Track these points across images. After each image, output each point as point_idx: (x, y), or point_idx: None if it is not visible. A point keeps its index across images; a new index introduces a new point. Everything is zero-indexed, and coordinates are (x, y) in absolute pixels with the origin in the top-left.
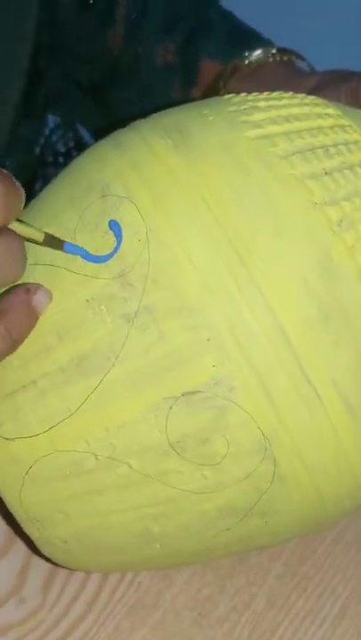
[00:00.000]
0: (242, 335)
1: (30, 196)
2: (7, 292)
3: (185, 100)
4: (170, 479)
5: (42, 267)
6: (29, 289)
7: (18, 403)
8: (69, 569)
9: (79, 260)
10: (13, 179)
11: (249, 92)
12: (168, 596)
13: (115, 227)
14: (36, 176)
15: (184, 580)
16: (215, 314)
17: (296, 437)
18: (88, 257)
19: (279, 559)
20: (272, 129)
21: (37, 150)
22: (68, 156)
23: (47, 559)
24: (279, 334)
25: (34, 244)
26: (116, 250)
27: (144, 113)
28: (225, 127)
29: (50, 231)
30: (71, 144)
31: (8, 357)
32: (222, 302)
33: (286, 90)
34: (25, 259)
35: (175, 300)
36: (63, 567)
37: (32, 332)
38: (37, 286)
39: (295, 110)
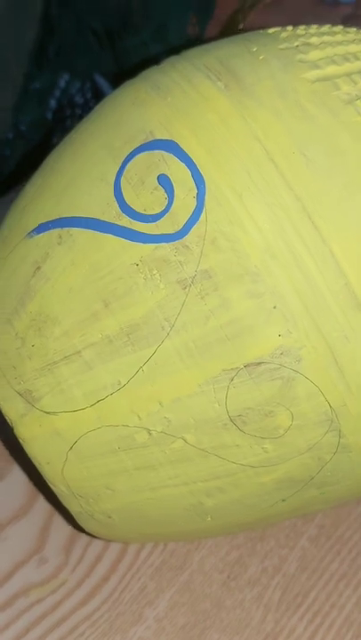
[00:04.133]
0: (311, 303)
1: (47, 150)
2: None
3: (200, 37)
4: (227, 453)
5: (78, 230)
6: None
7: (60, 375)
8: (106, 540)
9: (125, 218)
10: None
11: (272, 25)
12: (196, 558)
13: (165, 182)
14: (53, 130)
15: (213, 543)
16: (282, 279)
17: None
18: None
19: (313, 521)
20: (332, 69)
21: (53, 103)
22: (86, 108)
23: (81, 529)
24: (351, 300)
25: (57, 197)
26: (167, 208)
27: (158, 54)
28: (280, 67)
29: (90, 185)
30: (89, 95)
31: (48, 325)
32: (289, 266)
33: (315, 20)
34: None
35: (237, 264)
36: (100, 539)
37: (72, 298)
38: None
39: (353, 48)
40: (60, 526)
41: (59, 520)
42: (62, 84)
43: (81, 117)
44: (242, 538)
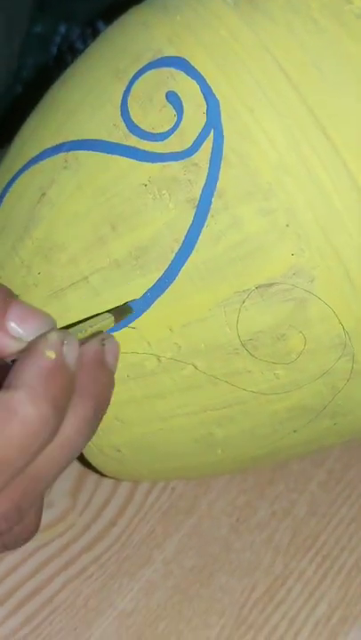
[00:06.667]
0: (326, 220)
1: None
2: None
3: None
4: (238, 380)
5: (84, 153)
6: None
7: (67, 301)
8: (117, 479)
9: (132, 138)
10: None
11: None
12: (204, 502)
13: (173, 99)
14: (54, 77)
15: (221, 486)
16: (295, 196)
17: None
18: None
19: (322, 466)
20: None
21: (54, 50)
22: None
23: (91, 467)
24: None
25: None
26: (176, 126)
27: None
28: None
29: (96, 107)
30: (90, 41)
31: (54, 251)
32: (304, 182)
33: None
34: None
35: (249, 181)
36: (109, 477)
37: (79, 223)
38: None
39: None
40: (67, 471)
41: None
42: (62, 30)
43: None
44: (251, 482)
